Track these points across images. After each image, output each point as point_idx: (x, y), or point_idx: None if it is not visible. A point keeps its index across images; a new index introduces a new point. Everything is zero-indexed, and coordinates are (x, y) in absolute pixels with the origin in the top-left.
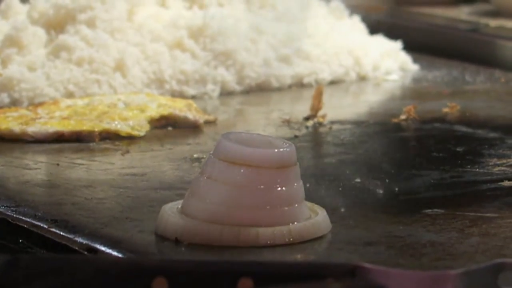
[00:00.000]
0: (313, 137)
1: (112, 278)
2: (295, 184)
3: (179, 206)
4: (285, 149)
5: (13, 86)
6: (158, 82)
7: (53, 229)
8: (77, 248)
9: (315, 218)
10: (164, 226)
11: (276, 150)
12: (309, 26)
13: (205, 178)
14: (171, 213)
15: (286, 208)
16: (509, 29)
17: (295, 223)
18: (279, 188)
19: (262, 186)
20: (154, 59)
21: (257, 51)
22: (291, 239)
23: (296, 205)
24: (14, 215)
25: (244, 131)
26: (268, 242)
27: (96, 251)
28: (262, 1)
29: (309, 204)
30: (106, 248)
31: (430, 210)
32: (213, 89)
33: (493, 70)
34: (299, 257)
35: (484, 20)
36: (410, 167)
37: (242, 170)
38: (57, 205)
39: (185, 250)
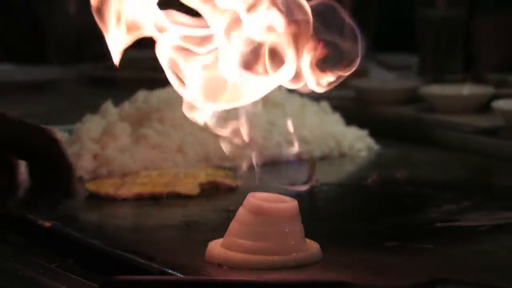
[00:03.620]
0: (309, 195)
1: None
2: (298, 227)
3: (221, 242)
4: (291, 203)
5: (109, 163)
6: (206, 159)
7: (135, 258)
8: (152, 271)
9: (311, 250)
10: (211, 256)
11: (285, 205)
12: (306, 119)
13: (237, 223)
14: (215, 246)
15: (292, 243)
16: (441, 120)
17: (298, 253)
18: (287, 230)
19: (276, 228)
20: (203, 144)
21: (271, 138)
22: (295, 264)
23: (299, 240)
24: (109, 249)
25: (263, 192)
26: (281, 266)
27: (166, 273)
28: (274, 103)
29: (307, 239)
30: (173, 271)
31: (389, 243)
32: (242, 163)
33: (431, 148)
34: (301, 276)
35: (423, 114)
36: (375, 214)
37: (262, 218)
38: (138, 242)
39: (225, 272)
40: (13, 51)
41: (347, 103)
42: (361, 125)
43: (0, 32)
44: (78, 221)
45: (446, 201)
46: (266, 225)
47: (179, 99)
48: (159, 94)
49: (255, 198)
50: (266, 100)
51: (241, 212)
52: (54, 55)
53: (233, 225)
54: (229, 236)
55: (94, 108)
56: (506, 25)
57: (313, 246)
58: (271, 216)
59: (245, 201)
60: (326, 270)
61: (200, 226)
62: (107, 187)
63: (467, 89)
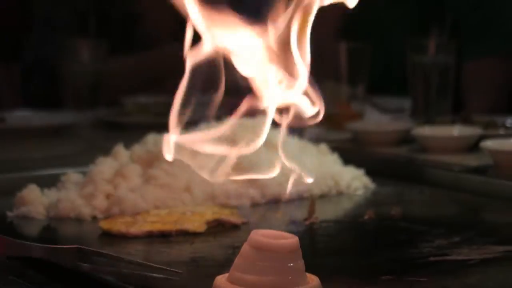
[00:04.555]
0: (310, 230)
1: None
2: (299, 261)
3: (227, 276)
4: (292, 240)
5: (120, 203)
6: (212, 198)
7: None
8: None
9: (312, 284)
10: None
11: (286, 241)
12: (306, 161)
13: (242, 259)
14: (221, 281)
15: (293, 277)
16: (433, 160)
17: (300, 287)
18: (290, 264)
19: (278, 264)
20: (209, 183)
21: (274, 178)
22: None
23: (300, 275)
24: (122, 284)
25: (266, 229)
26: None
27: None
28: (275, 145)
29: (308, 274)
30: None
31: (385, 277)
32: (246, 202)
33: (423, 186)
34: None
35: (415, 154)
36: (372, 249)
37: (265, 254)
38: (149, 278)
39: None
40: (32, 98)
41: (344, 144)
42: (357, 165)
43: (19, 81)
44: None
45: (437, 236)
46: (269, 260)
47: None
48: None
49: (258, 235)
50: (268, 142)
51: (246, 248)
52: (69, 101)
53: (238, 261)
54: (235, 271)
55: (107, 151)
56: (492, 69)
57: (313, 280)
58: (273, 252)
59: (249, 238)
60: None
61: (207, 261)
62: (119, 226)
63: (456, 130)
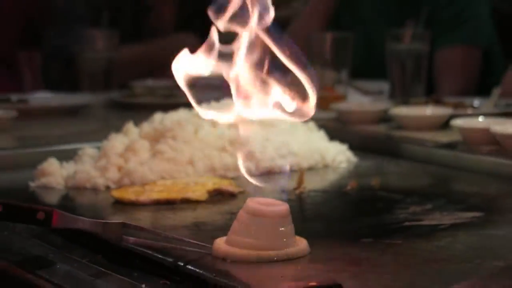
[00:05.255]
0: (298, 199)
1: None
2: (289, 226)
3: (225, 239)
4: (283, 206)
5: (130, 174)
6: (212, 170)
7: (153, 253)
8: (168, 265)
9: (301, 246)
10: (217, 251)
11: (278, 207)
12: (296, 136)
13: (238, 223)
14: (220, 243)
15: (284, 240)
16: (408, 136)
17: (290, 248)
18: (281, 228)
19: (271, 228)
20: (209, 157)
21: (266, 152)
22: (287, 257)
23: (290, 238)
24: (131, 246)
25: (260, 197)
26: (275, 259)
27: (179, 266)
28: (269, 123)
29: (297, 236)
30: (189, 265)
31: (365, 239)
32: (242, 173)
33: (400, 160)
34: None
35: (393, 131)
36: (353, 215)
37: (259, 219)
38: (155, 240)
39: (229, 265)
40: (51, 82)
41: (330, 123)
42: (341, 141)
43: (40, 66)
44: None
45: (412, 204)
46: (263, 224)
47: (189, 120)
48: (172, 116)
49: (253, 202)
50: (262, 121)
51: (242, 214)
52: (85, 84)
53: (235, 225)
54: (232, 235)
55: (118, 128)
56: (460, 57)
57: (302, 242)
58: (267, 217)
59: (244, 205)
60: (313, 263)
61: (207, 226)
62: (129, 195)
63: (429, 110)
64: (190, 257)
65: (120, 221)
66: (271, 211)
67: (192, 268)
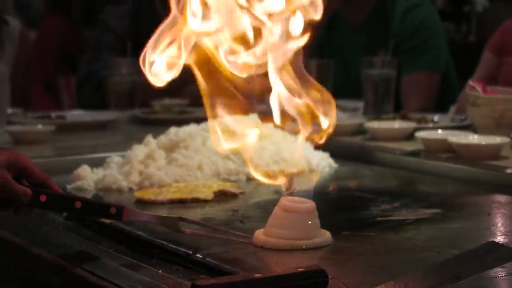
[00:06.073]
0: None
1: None
2: (316, 220)
3: (263, 231)
4: (310, 204)
5: (150, 178)
6: (217, 174)
7: (169, 244)
8: (179, 253)
9: (325, 236)
10: (256, 240)
11: (306, 205)
12: (287, 146)
13: (273, 218)
14: (259, 234)
15: (311, 231)
16: (379, 146)
17: (316, 238)
18: (309, 222)
19: (301, 221)
20: (215, 164)
21: (263, 158)
22: (315, 246)
23: (316, 229)
24: (151, 238)
25: (291, 197)
26: (304, 247)
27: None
28: (264, 135)
29: (322, 229)
30: (220, 263)
31: (345, 232)
32: (242, 177)
33: (373, 165)
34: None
35: (367, 142)
36: (333, 211)
37: (292, 214)
38: (170, 233)
39: (266, 251)
40: (85, 101)
41: (316, 137)
42: (324, 150)
43: (75, 88)
44: None
45: (383, 202)
46: (294, 219)
47: (198, 133)
48: (184, 129)
49: (286, 200)
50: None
51: (277, 210)
52: (112, 103)
53: (271, 219)
54: (268, 227)
55: (140, 140)
56: (423, 80)
57: (326, 234)
58: (297, 212)
59: (279, 202)
60: (301, 252)
61: (213, 221)
62: (149, 195)
63: (397, 124)
64: (204, 249)
65: (177, 216)
66: (301, 207)
67: (200, 256)
